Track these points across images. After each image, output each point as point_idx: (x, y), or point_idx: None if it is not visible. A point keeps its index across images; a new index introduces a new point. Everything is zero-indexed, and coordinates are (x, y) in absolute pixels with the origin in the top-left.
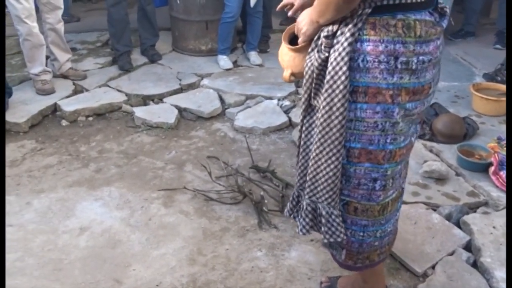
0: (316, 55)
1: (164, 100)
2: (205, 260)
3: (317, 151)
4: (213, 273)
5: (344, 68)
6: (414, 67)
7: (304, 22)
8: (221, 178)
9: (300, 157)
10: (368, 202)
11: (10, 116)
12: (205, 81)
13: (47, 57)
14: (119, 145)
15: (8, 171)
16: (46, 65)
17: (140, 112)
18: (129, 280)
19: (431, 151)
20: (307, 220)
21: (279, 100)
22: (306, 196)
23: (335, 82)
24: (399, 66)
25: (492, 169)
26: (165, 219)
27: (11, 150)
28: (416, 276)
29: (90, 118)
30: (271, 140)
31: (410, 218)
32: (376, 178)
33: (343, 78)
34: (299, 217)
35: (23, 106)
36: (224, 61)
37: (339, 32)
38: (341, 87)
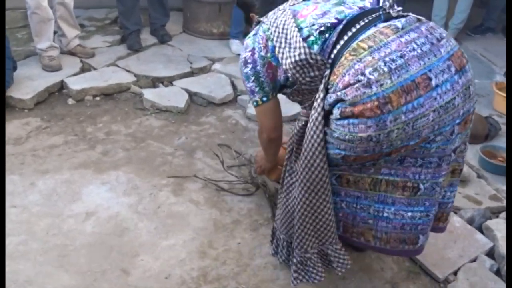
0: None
1: (174, 83)
2: (216, 253)
3: (304, 206)
4: (224, 268)
5: (320, 127)
6: (387, 69)
7: (262, 160)
8: (233, 168)
9: (282, 196)
10: (359, 174)
11: (15, 92)
12: (216, 66)
13: (55, 32)
14: (127, 127)
15: (12, 149)
16: (54, 41)
17: (149, 94)
18: (137, 270)
19: None
20: (318, 269)
21: None
22: (308, 249)
23: (313, 145)
24: (371, 76)
25: None
26: (174, 208)
27: (16, 127)
28: (437, 282)
29: (98, 98)
30: (284, 130)
31: None
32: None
33: (318, 141)
34: (305, 267)
35: (28, 82)
36: (237, 45)
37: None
38: (320, 149)
